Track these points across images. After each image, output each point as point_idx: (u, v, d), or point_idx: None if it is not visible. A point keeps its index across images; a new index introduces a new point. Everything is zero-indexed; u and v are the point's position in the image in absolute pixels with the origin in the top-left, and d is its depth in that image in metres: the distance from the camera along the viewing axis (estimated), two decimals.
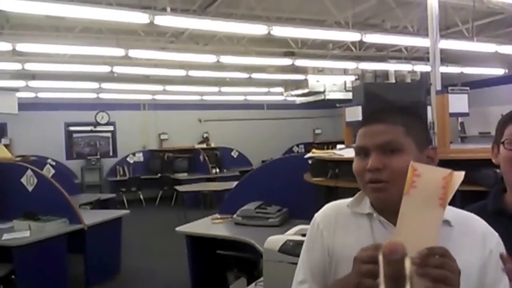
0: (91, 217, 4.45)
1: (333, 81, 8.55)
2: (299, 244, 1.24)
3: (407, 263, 0.54)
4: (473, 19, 5.93)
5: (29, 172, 4.33)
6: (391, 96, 3.33)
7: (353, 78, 8.32)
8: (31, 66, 6.34)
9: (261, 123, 12.05)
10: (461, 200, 2.53)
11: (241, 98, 11.59)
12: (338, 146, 2.90)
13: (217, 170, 10.03)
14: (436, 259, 0.72)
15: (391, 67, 7.92)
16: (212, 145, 11.33)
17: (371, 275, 0.70)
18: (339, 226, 0.98)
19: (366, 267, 0.72)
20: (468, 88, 3.12)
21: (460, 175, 0.80)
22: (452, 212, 0.90)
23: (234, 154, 11.53)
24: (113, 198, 7.45)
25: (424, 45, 5.92)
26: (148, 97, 10.65)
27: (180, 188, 7.96)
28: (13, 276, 3.68)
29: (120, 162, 10.70)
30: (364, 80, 7.90)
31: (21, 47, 5.05)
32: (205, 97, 11.25)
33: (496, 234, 0.92)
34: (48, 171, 5.52)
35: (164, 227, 7.06)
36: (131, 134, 10.89)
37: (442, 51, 4.48)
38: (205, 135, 11.71)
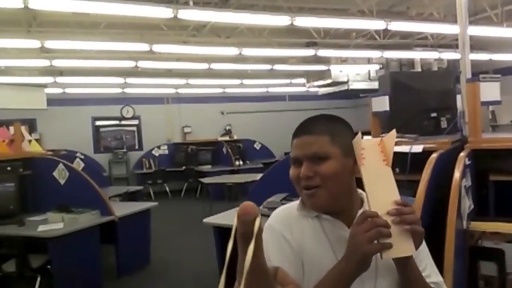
0: (121, 209, 4.56)
1: (357, 71, 8.42)
2: None
3: (257, 223, 0.59)
4: (502, 4, 5.72)
5: (60, 165, 4.46)
6: (418, 85, 3.25)
7: (377, 67, 8.17)
8: (58, 63, 6.50)
9: (283, 114, 12.01)
10: (495, 189, 2.48)
11: (263, 90, 11.58)
12: (365, 137, 2.86)
13: (240, 162, 10.09)
14: (408, 207, 0.94)
15: (417, 55, 7.73)
16: (235, 137, 11.39)
17: None
18: (296, 230, 1.05)
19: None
20: (500, 75, 3.01)
21: (389, 136, 1.01)
22: None
23: (257, 146, 11.56)
24: (140, 191, 7.61)
25: (451, 32, 5.76)
26: (172, 90, 10.78)
27: (204, 180, 8.05)
28: (49, 267, 3.84)
29: (145, 155, 10.91)
30: (389, 69, 7.75)
31: (49, 44, 5.19)
32: (227, 90, 11.29)
33: None
34: (78, 165, 5.67)
35: (191, 219, 7.18)
36: (156, 128, 11.06)
37: (470, 37, 4.36)
38: (227, 128, 11.78)
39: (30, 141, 5.15)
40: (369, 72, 8.51)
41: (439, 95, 3.16)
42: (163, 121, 11.20)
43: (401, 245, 0.91)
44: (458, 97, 3.08)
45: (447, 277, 1.64)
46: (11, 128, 5.04)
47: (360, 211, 1.03)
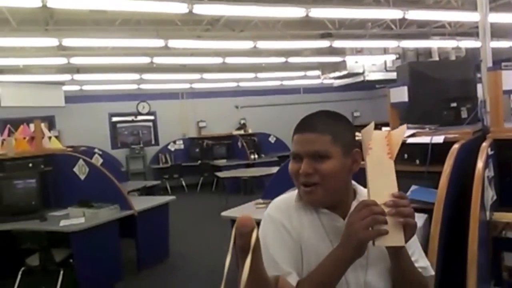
0: (140, 203, 4.63)
1: (373, 62, 8.30)
2: None
3: (254, 235, 0.61)
4: None
5: (80, 161, 4.55)
6: (437, 75, 3.19)
7: (393, 57, 8.04)
8: (76, 60, 6.58)
9: (297, 107, 11.92)
10: None
11: (277, 83, 11.53)
12: (384, 128, 2.83)
13: (255, 156, 10.11)
14: (404, 200, 0.98)
15: (434, 44, 7.57)
16: (250, 131, 11.40)
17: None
18: (295, 220, 1.10)
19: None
20: None
21: (399, 131, 1.06)
22: None
23: (272, 139, 11.55)
24: (157, 185, 7.70)
25: (470, 20, 5.62)
26: (186, 86, 10.82)
27: (220, 174, 8.10)
28: (71, 260, 3.93)
29: (162, 150, 11.01)
30: (406, 59, 7.62)
31: (67, 42, 5.26)
32: (241, 84, 11.28)
33: None
34: (97, 160, 5.76)
35: (207, 212, 7.24)
36: (171, 123, 11.15)
37: (490, 25, 4.23)
38: (242, 122, 11.79)
39: (50, 137, 5.26)
40: (385, 62, 8.38)
41: (459, 84, 3.10)
42: (178, 116, 11.28)
43: (394, 236, 0.96)
44: (479, 86, 3.01)
45: (470, 269, 1.62)
46: (31, 126, 5.16)
47: (354, 203, 1.08)
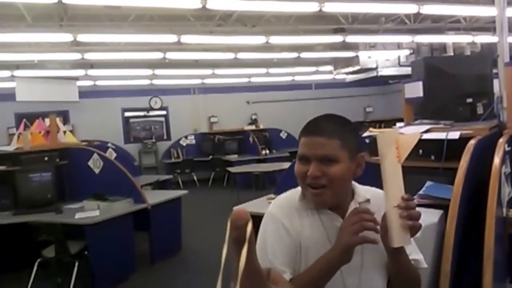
0: (153, 197, 4.68)
1: (386, 57, 8.20)
2: None
3: (249, 227, 0.61)
4: None
5: (95, 155, 4.61)
6: (453, 70, 3.14)
7: (407, 52, 7.94)
8: (90, 56, 6.65)
9: (309, 103, 11.90)
10: None
11: (289, 78, 11.49)
12: (398, 124, 2.82)
13: (267, 151, 10.11)
14: (413, 203, 1.04)
15: (449, 39, 7.46)
16: (261, 126, 11.39)
17: None
18: (296, 219, 1.14)
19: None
20: None
21: (410, 138, 1.08)
22: (371, 192, 1.19)
23: (283, 135, 11.53)
24: (170, 179, 7.76)
25: (486, 14, 5.53)
26: (198, 81, 10.86)
27: (231, 169, 8.13)
28: (86, 252, 4.00)
29: (174, 145, 11.09)
30: (420, 54, 7.52)
31: (82, 37, 5.31)
32: (253, 79, 11.27)
33: None
34: (111, 155, 5.82)
35: (219, 207, 7.28)
36: (183, 118, 11.21)
37: (508, 19, 4.16)
38: (253, 117, 11.79)
39: (65, 132, 5.33)
40: (399, 57, 8.28)
41: (475, 80, 3.05)
42: (190, 112, 11.33)
43: (402, 236, 1.02)
44: (495, 81, 2.96)
45: (486, 265, 1.61)
46: (47, 120, 5.23)
47: (352, 203, 1.15)
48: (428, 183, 2.17)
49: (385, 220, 1.04)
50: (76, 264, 3.88)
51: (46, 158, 4.68)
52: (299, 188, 1.18)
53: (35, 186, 4.51)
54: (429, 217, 1.70)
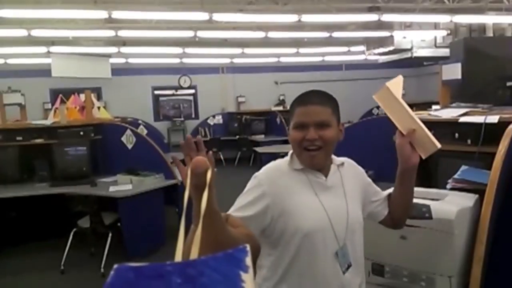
0: None
1: (422, 37, 7.90)
2: None
3: (209, 174, 0.65)
4: None
5: (128, 131, 4.74)
6: (494, 52, 3.03)
7: (444, 33, 7.62)
8: (123, 33, 6.73)
9: (338, 84, 11.68)
10: None
11: (319, 59, 11.29)
12: (434, 106, 2.75)
13: None
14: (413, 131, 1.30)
15: (489, 19, 7.10)
16: (288, 107, 11.29)
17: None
18: (283, 184, 1.28)
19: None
20: None
21: (394, 82, 1.35)
22: (343, 159, 1.42)
23: None
24: None
25: None
26: (227, 60, 10.85)
27: (258, 149, 8.17)
28: (119, 224, 4.16)
29: (201, 124, 11.22)
30: (458, 35, 7.20)
31: (116, 14, 5.38)
32: (282, 59, 11.15)
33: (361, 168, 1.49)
34: (142, 131, 5.98)
35: (245, 186, 7.36)
36: (211, 97, 11.28)
37: None
38: (281, 98, 11.72)
39: (99, 108, 5.49)
40: (435, 38, 7.96)
41: None
42: (218, 91, 11.38)
43: (429, 144, 1.29)
44: None
45: None
46: (81, 96, 5.39)
47: (332, 166, 1.36)
48: (463, 167, 2.12)
49: (403, 143, 1.30)
50: (110, 235, 4.05)
51: (81, 133, 4.84)
52: (285, 158, 1.36)
53: (71, 159, 4.69)
54: (464, 201, 1.67)
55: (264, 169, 1.34)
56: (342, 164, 1.40)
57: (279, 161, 1.38)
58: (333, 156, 1.39)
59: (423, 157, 1.30)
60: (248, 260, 0.39)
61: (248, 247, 0.40)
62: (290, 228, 1.25)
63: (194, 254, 0.48)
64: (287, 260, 1.27)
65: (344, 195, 1.33)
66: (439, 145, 1.29)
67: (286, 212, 1.26)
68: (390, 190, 1.47)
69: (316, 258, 1.26)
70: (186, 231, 0.55)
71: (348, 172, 1.39)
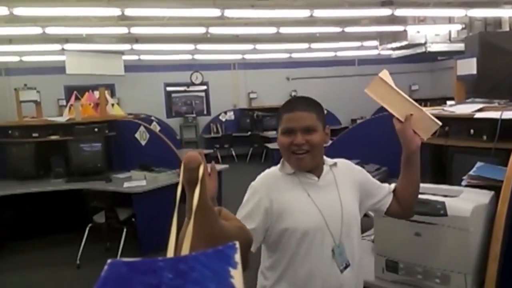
0: None
1: (436, 31, 7.78)
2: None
3: (201, 170, 0.67)
4: None
5: (142, 128, 4.78)
6: (510, 46, 2.98)
7: (459, 27, 7.50)
8: (136, 30, 6.78)
9: (351, 80, 11.61)
10: None
11: (331, 54, 11.21)
12: (448, 102, 2.72)
13: None
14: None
15: (505, 13, 6.96)
16: None
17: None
18: (276, 188, 1.36)
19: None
20: None
21: (383, 74, 1.39)
22: (336, 160, 1.47)
23: None
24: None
25: None
26: (238, 56, 10.85)
27: (270, 145, 8.17)
28: (133, 219, 4.22)
29: (213, 120, 11.26)
30: (472, 29, 7.08)
31: (129, 11, 5.42)
32: (294, 55, 11.11)
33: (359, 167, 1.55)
34: (155, 128, 6.02)
35: None
36: (223, 93, 11.30)
37: None
38: (293, 94, 11.68)
39: (112, 104, 5.55)
40: (449, 32, 7.84)
41: None
42: (229, 87, 11.39)
43: (429, 124, 1.35)
44: None
45: None
46: (96, 93, 5.46)
47: (324, 167, 1.42)
48: (479, 163, 2.10)
49: (403, 128, 1.35)
50: (124, 230, 4.11)
51: (96, 129, 4.90)
52: (277, 165, 1.43)
53: (86, 155, 4.76)
54: (480, 197, 1.66)
55: (258, 177, 1.42)
56: (335, 164, 1.45)
57: (272, 168, 1.46)
58: (326, 157, 1.45)
59: (425, 138, 1.35)
60: (237, 257, 0.41)
61: (237, 244, 0.42)
62: (286, 230, 1.32)
63: (185, 248, 0.50)
64: (286, 261, 1.33)
65: (337, 193, 1.39)
66: (439, 123, 1.34)
67: (282, 214, 1.32)
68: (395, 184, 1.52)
69: (313, 258, 1.31)
70: (179, 226, 0.57)
71: (341, 171, 1.45)
